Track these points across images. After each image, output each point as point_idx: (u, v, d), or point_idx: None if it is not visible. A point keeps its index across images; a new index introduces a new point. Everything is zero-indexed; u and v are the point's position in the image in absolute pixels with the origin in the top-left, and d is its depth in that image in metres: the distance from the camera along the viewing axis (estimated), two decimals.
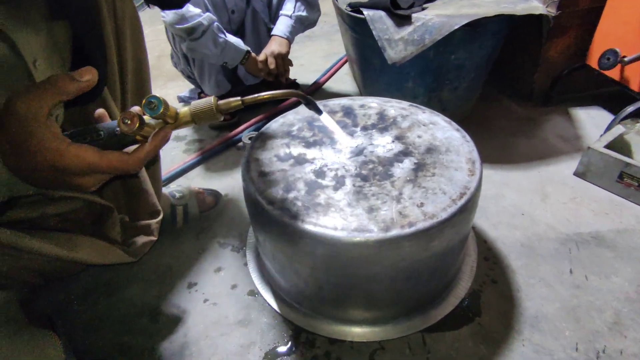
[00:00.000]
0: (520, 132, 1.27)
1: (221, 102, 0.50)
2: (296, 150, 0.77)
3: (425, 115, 0.85)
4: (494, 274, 0.84)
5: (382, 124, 0.82)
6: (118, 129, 0.45)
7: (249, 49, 1.23)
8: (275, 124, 0.85)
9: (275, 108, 1.46)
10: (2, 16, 0.45)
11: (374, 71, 1.25)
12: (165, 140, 0.48)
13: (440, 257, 0.67)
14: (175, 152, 1.32)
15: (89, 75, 0.41)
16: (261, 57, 1.26)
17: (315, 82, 1.64)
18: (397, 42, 1.06)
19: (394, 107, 0.88)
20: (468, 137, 0.78)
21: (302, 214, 0.63)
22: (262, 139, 0.81)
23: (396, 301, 0.71)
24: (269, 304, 0.81)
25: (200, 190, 1.04)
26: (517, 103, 1.40)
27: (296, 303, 0.78)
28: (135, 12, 0.71)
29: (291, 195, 0.66)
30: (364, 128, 0.81)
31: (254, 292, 0.84)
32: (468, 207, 0.64)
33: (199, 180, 1.19)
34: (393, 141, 0.77)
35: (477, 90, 1.31)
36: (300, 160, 0.74)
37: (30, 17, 0.49)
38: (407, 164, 0.71)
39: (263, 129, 0.85)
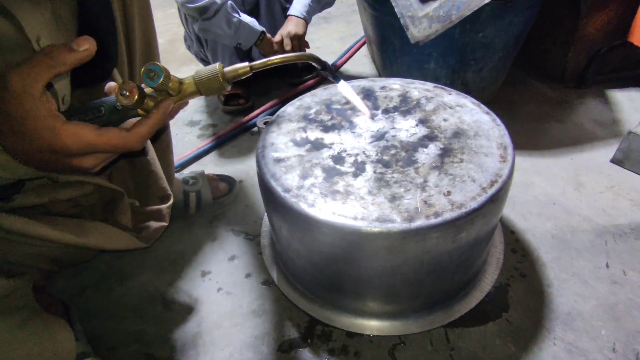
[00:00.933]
0: (550, 116, 1.19)
1: (227, 69, 0.46)
2: (313, 134, 0.72)
3: (451, 97, 0.79)
4: (523, 267, 0.79)
5: (405, 106, 0.77)
6: (119, 103, 0.41)
7: (263, 29, 1.17)
8: (291, 107, 0.81)
9: (292, 91, 1.41)
10: None
11: (394, 52, 1.19)
12: (167, 112, 0.44)
13: (467, 250, 0.62)
14: (188, 138, 1.30)
15: (87, 44, 0.37)
16: (276, 38, 1.21)
17: (332, 65, 1.58)
18: (421, 19, 0.99)
19: (418, 88, 0.82)
20: (499, 121, 0.72)
21: (319, 202, 0.59)
22: (277, 123, 0.77)
23: (418, 294, 0.67)
24: (284, 294, 0.78)
25: (214, 177, 1.02)
26: (547, 85, 1.31)
27: (312, 294, 0.75)
28: None
29: (308, 182, 0.62)
30: (386, 111, 0.76)
31: (268, 282, 0.82)
32: (499, 197, 0.59)
33: (212, 166, 1.16)
34: (417, 125, 0.72)
35: (504, 72, 1.23)
36: (318, 145, 0.70)
37: None
38: (433, 149, 0.66)
39: (279, 112, 0.81)
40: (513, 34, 1.08)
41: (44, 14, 0.47)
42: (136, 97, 0.40)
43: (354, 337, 0.71)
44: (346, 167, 0.64)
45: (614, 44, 1.17)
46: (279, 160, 0.68)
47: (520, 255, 0.81)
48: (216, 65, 0.45)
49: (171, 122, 1.37)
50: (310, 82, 1.45)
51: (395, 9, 1.00)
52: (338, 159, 0.66)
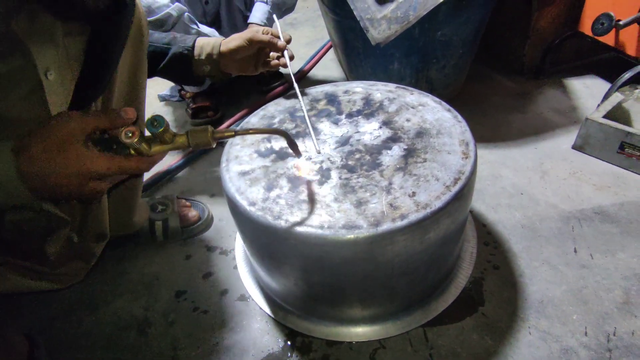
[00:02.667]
0: (513, 108, 1.22)
1: (216, 130, 0.53)
2: (278, 144, 0.72)
3: (413, 96, 0.80)
4: (496, 260, 0.80)
5: (368, 109, 0.77)
6: (121, 140, 0.48)
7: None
8: (255, 118, 0.80)
9: (260, 101, 1.40)
10: (27, 29, 0.48)
11: (358, 55, 1.19)
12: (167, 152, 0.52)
13: (437, 248, 0.62)
14: None
15: (132, 115, 0.48)
16: None
17: (299, 70, 1.58)
18: (380, 21, 0.99)
19: (380, 90, 0.83)
20: (460, 117, 0.73)
21: (285, 213, 0.58)
22: (241, 135, 0.76)
23: (394, 297, 0.67)
24: (261, 308, 0.77)
25: (186, 204, 0.98)
26: (509, 78, 1.35)
27: (290, 305, 0.74)
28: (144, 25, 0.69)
29: (273, 193, 0.62)
30: (349, 115, 0.76)
31: (245, 297, 0.80)
32: (464, 194, 0.60)
33: (183, 181, 1.13)
34: (380, 127, 0.72)
35: (466, 68, 1.26)
36: (283, 155, 0.69)
37: (53, 32, 0.51)
38: (397, 150, 0.67)
39: (242, 123, 0.80)
40: (471, 31, 1.11)
41: (56, 48, 0.52)
42: (137, 138, 0.47)
43: (334, 346, 0.70)
44: (311, 176, 0.64)
45: (566, 35, 1.21)
46: (243, 174, 0.66)
47: (492, 248, 0.82)
48: (207, 127, 0.52)
49: None
50: (279, 89, 1.44)
51: (354, 12, 1.01)
52: (303, 168, 0.66)
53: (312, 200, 0.59)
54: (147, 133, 0.50)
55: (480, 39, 1.18)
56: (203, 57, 0.78)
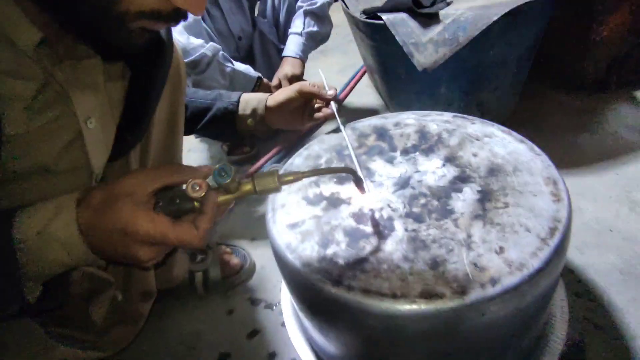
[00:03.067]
0: (580, 127, 1.09)
1: (282, 173, 0.48)
2: (327, 188, 0.64)
3: (475, 126, 0.70)
4: (596, 316, 0.66)
5: (425, 143, 0.69)
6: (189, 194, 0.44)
7: (259, 74, 1.13)
8: (299, 158, 0.73)
9: (296, 136, 1.34)
10: (70, 77, 0.47)
11: (399, 80, 1.12)
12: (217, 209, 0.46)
13: (532, 312, 0.51)
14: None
15: (208, 170, 0.44)
16: (274, 82, 1.17)
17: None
18: (426, 45, 0.92)
19: (435, 120, 0.74)
20: (538, 149, 0.63)
21: (346, 277, 0.49)
22: None
23: None
24: None
25: (226, 251, 0.92)
26: (568, 94, 1.22)
27: None
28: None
29: (329, 250, 0.53)
30: (405, 152, 0.68)
31: None
32: (564, 247, 0.49)
33: (221, 226, 1.08)
34: (444, 164, 0.63)
35: (519, 86, 1.15)
36: (335, 202, 0.61)
37: (95, 79, 0.51)
38: (469, 193, 0.57)
39: (286, 165, 0.73)
40: (525, 47, 1.01)
41: (98, 96, 0.51)
42: (204, 192, 0.43)
43: None
44: (372, 227, 0.55)
45: (637, 43, 1.08)
46: (293, 226, 0.59)
47: (587, 300, 0.69)
48: (273, 171, 0.48)
49: None
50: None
51: (397, 38, 0.94)
52: (360, 217, 0.57)
53: (377, 259, 0.50)
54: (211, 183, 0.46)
55: (535, 54, 1.08)
56: (248, 111, 0.75)
